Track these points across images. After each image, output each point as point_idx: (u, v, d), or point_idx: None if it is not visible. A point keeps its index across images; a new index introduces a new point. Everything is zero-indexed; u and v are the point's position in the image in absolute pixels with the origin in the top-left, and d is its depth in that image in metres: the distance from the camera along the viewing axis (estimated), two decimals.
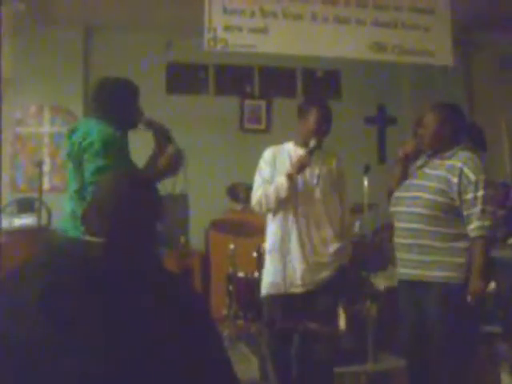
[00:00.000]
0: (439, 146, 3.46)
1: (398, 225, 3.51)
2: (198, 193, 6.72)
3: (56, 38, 7.00)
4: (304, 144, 3.80)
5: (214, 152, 7.19)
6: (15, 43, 6.02)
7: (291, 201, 3.73)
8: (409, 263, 3.43)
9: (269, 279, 3.83)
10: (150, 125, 3.55)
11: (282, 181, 3.66)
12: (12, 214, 6.45)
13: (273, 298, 3.80)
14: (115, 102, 3.38)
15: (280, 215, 3.80)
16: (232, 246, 5.45)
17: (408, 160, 3.63)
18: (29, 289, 1.58)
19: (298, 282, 3.72)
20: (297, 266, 3.72)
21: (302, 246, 3.73)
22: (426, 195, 3.34)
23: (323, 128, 3.78)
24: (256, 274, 5.27)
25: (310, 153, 3.68)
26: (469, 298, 3.19)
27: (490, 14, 6.57)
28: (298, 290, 3.73)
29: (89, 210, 1.80)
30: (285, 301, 3.74)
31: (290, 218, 3.75)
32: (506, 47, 7.37)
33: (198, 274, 6.57)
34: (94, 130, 3.23)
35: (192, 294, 1.76)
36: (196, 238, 6.98)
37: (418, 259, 3.37)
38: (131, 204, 1.79)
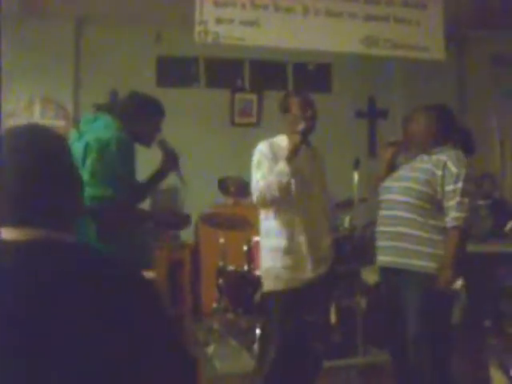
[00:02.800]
0: (428, 146, 3.56)
1: (382, 213, 3.63)
2: (189, 186, 6.71)
3: (47, 31, 6.96)
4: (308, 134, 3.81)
5: (205, 145, 7.17)
6: (6, 35, 5.99)
7: (295, 198, 3.73)
8: (388, 250, 3.53)
9: (277, 275, 3.79)
10: (163, 146, 3.63)
11: (282, 166, 3.61)
12: None
13: (279, 294, 3.79)
14: (143, 119, 3.47)
15: (284, 213, 3.78)
16: (222, 240, 5.44)
17: (395, 147, 3.73)
18: None
19: (306, 276, 3.73)
20: (306, 261, 3.73)
21: (308, 242, 3.73)
22: (413, 185, 3.44)
23: (309, 114, 3.76)
24: (246, 268, 5.27)
25: (302, 134, 3.65)
26: (438, 287, 3.28)
27: (482, 10, 6.57)
28: (305, 284, 3.74)
29: None
30: (288, 295, 3.74)
31: (296, 215, 3.73)
32: (498, 44, 7.39)
33: (188, 268, 6.56)
34: (112, 129, 3.28)
35: (138, 282, 1.49)
36: (186, 231, 6.95)
37: (398, 246, 3.46)
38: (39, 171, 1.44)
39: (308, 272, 3.73)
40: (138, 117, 3.44)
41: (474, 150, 3.63)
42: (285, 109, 3.83)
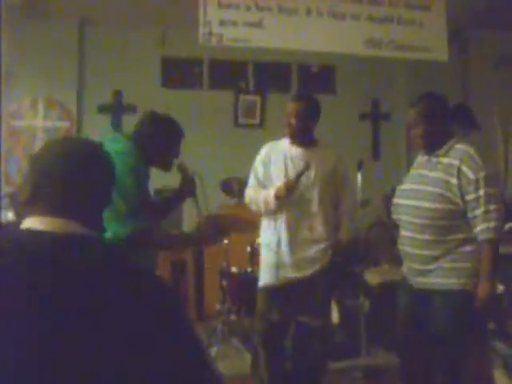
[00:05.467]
0: (431, 142, 3.33)
1: (402, 233, 3.42)
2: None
3: (51, 32, 6.96)
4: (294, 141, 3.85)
5: (209, 146, 7.17)
6: (10, 36, 6.00)
7: (283, 206, 3.78)
8: (413, 271, 3.37)
9: (263, 271, 3.88)
10: (182, 170, 3.52)
11: (270, 197, 3.72)
12: (5, 208, 6.42)
13: (266, 290, 3.84)
14: (163, 144, 3.29)
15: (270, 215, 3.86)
16: (225, 241, 5.44)
17: None
18: None
19: (287, 275, 3.77)
20: (286, 261, 3.76)
21: (289, 243, 3.77)
22: (426, 204, 3.22)
23: (291, 123, 3.79)
24: (249, 269, 5.27)
25: (298, 177, 3.68)
26: (477, 303, 3.11)
27: (485, 11, 6.56)
28: (285, 283, 3.79)
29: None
30: (277, 293, 3.79)
31: (281, 215, 3.78)
32: (501, 44, 7.38)
33: (192, 269, 6.56)
34: (128, 157, 3.06)
35: (163, 289, 1.51)
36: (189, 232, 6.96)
37: (423, 268, 3.28)
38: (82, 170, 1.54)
39: (287, 273, 3.78)
40: (159, 143, 3.26)
41: (478, 125, 3.42)
42: None
